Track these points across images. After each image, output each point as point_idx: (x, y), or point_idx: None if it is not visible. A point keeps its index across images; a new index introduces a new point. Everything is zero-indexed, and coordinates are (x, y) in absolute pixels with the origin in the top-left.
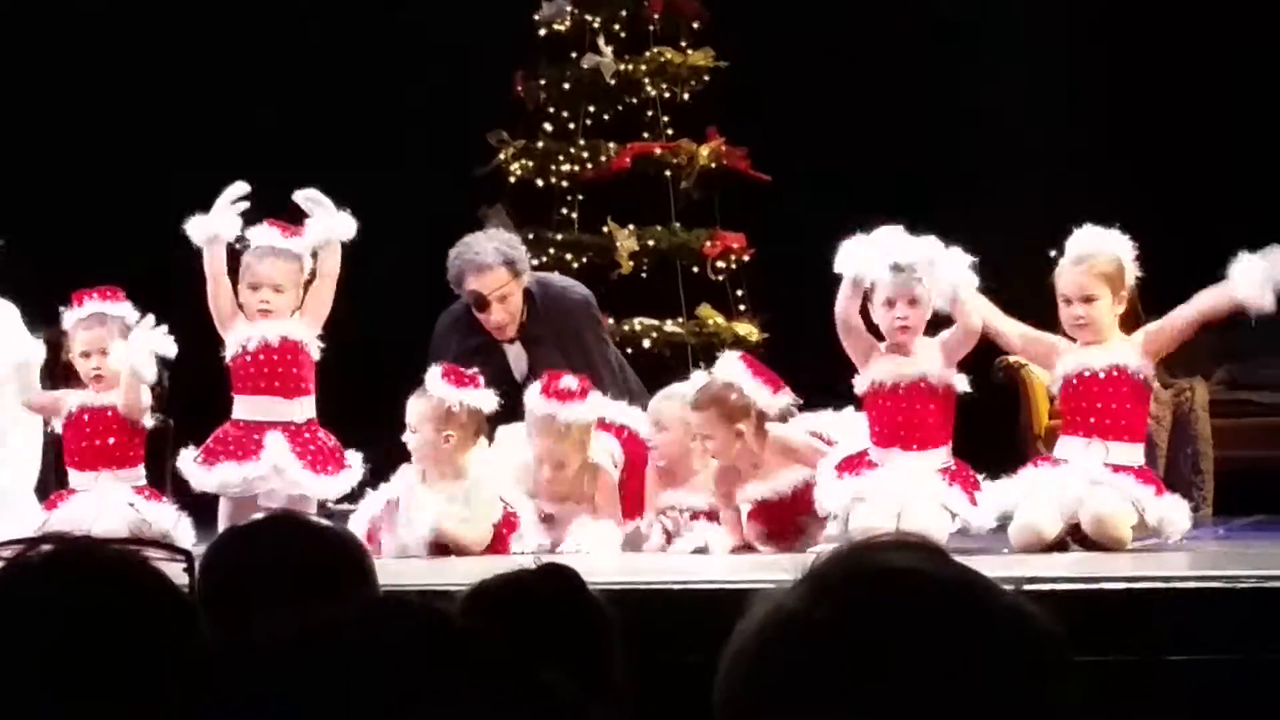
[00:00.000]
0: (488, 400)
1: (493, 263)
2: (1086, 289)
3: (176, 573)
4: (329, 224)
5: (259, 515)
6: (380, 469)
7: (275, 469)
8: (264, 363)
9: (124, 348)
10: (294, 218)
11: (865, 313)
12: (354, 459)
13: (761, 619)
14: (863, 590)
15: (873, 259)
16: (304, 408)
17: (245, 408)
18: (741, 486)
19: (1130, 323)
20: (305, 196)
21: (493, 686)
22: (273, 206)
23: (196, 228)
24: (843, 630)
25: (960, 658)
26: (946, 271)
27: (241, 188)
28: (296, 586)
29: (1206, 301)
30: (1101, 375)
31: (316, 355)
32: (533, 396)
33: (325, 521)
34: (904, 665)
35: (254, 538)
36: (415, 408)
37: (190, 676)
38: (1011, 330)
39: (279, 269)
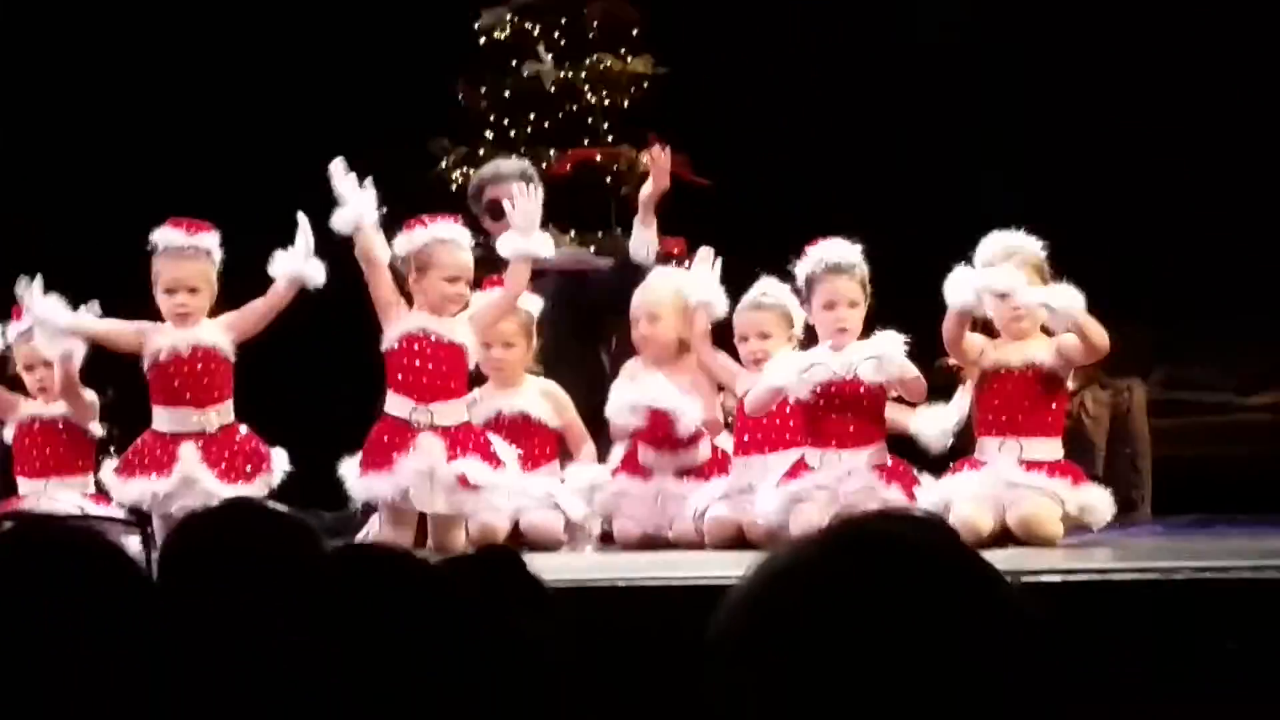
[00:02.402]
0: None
1: (510, 174)
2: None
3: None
4: (300, 265)
5: (216, 503)
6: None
7: (185, 481)
8: (174, 374)
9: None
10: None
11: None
12: (278, 459)
13: (766, 563)
14: (868, 554)
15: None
16: (220, 415)
17: (160, 419)
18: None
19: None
20: (301, 231)
21: (465, 626)
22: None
23: (339, 219)
24: (837, 584)
25: (956, 637)
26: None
27: (340, 164)
28: (255, 571)
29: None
30: (1016, 373)
31: (232, 359)
32: None
33: (280, 507)
34: (896, 634)
35: (212, 523)
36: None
37: (145, 643)
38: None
39: (191, 269)
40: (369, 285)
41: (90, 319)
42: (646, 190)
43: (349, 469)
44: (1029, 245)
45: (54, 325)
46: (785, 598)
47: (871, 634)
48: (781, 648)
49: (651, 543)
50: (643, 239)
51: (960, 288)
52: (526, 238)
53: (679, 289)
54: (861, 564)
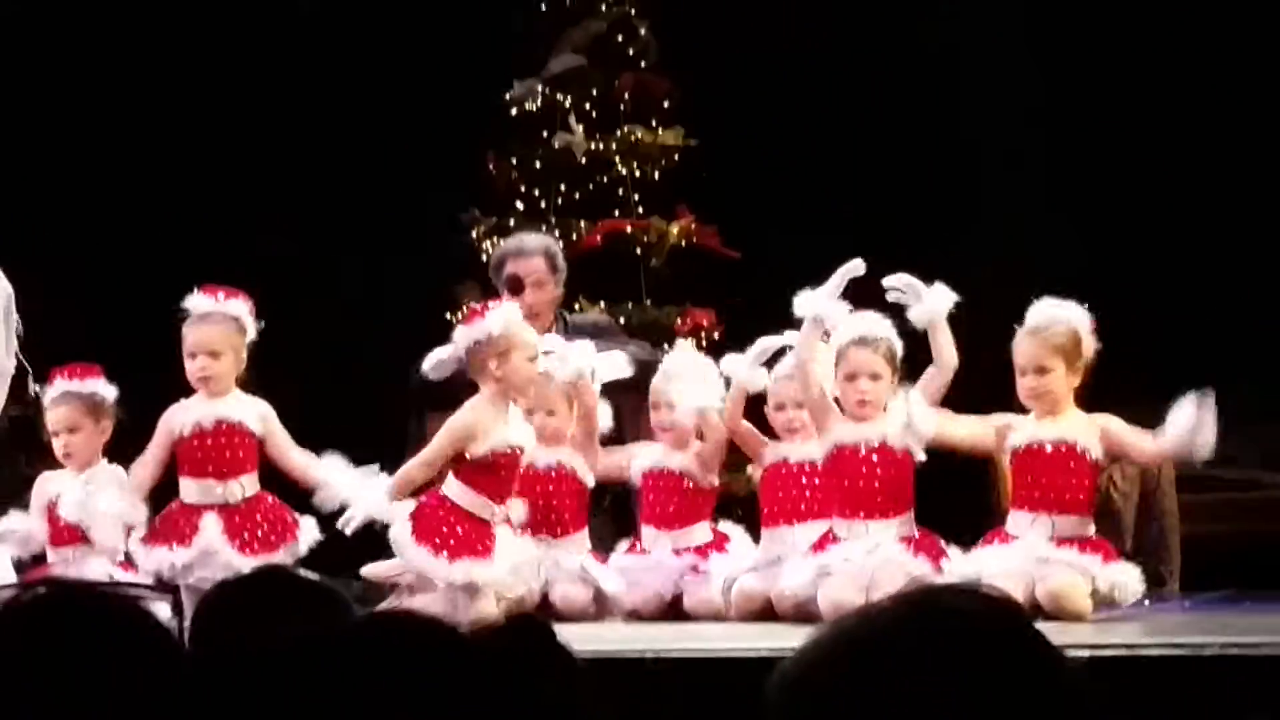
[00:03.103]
0: None
1: (533, 250)
2: (1039, 360)
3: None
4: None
5: (247, 571)
6: None
7: (205, 553)
8: (197, 446)
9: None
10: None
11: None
12: (306, 528)
13: (833, 631)
14: (940, 628)
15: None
16: (244, 486)
17: (186, 490)
18: None
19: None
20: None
21: (491, 694)
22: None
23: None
24: (908, 656)
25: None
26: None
27: None
28: (286, 639)
29: (1160, 447)
30: (1049, 449)
31: (257, 434)
32: None
33: (311, 575)
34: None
35: (243, 590)
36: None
37: (176, 709)
38: (957, 435)
39: (213, 333)
40: (481, 376)
41: (137, 476)
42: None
43: (422, 555)
44: (1065, 320)
45: (120, 521)
46: (856, 666)
47: (938, 708)
48: (850, 715)
49: (666, 610)
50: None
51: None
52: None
53: (697, 376)
54: (932, 638)
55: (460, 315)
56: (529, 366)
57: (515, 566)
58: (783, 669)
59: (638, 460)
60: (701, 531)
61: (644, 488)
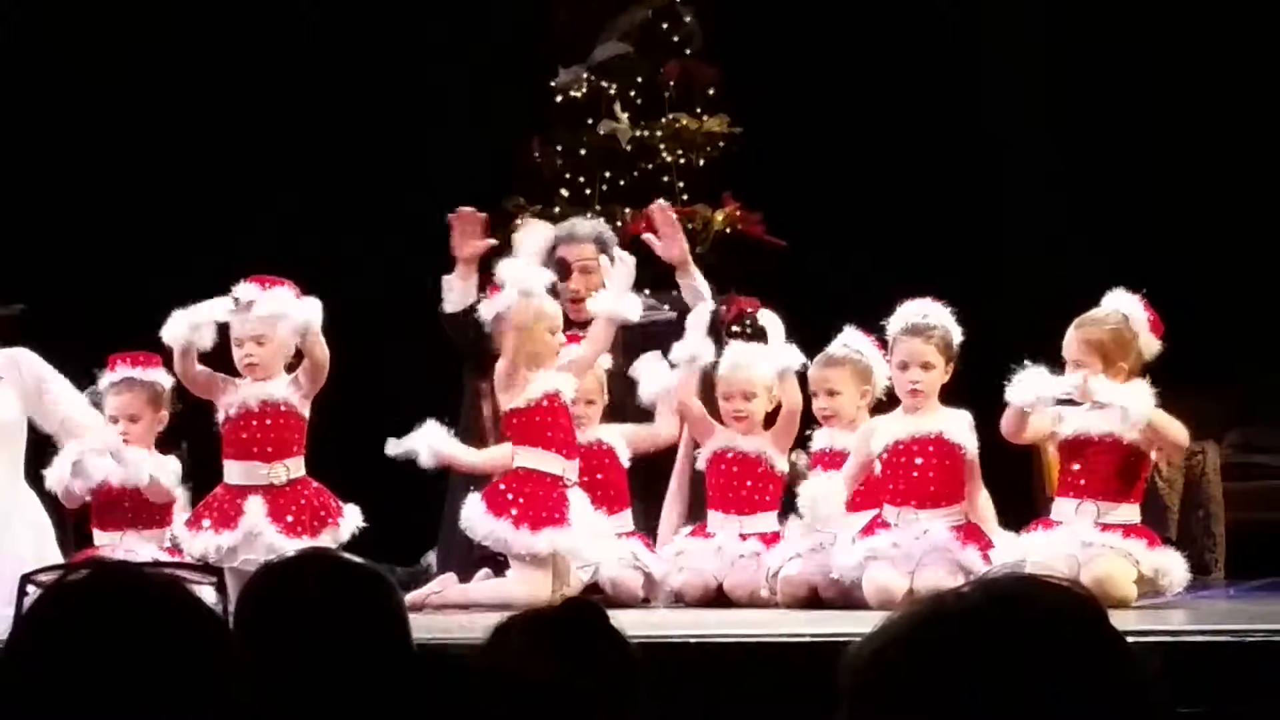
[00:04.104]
0: None
1: (584, 236)
2: (1073, 354)
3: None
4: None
5: (293, 552)
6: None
7: (249, 535)
8: (243, 428)
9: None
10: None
11: None
12: (350, 514)
13: (910, 614)
14: (1020, 616)
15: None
16: (289, 469)
17: (230, 472)
18: None
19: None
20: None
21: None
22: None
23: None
24: (988, 641)
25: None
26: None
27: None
28: (329, 623)
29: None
30: (1097, 440)
31: (304, 414)
32: None
33: (355, 558)
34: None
35: (289, 572)
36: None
37: (222, 689)
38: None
39: (257, 321)
40: (503, 347)
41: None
42: (668, 255)
43: (502, 527)
44: (1115, 315)
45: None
46: (929, 649)
47: (1010, 694)
48: (926, 701)
49: (714, 596)
50: (693, 290)
51: (1026, 390)
52: (618, 300)
53: (768, 364)
54: (1007, 624)
55: (515, 226)
56: (549, 337)
57: (591, 534)
58: (855, 651)
59: (706, 444)
60: (770, 519)
61: (711, 471)
